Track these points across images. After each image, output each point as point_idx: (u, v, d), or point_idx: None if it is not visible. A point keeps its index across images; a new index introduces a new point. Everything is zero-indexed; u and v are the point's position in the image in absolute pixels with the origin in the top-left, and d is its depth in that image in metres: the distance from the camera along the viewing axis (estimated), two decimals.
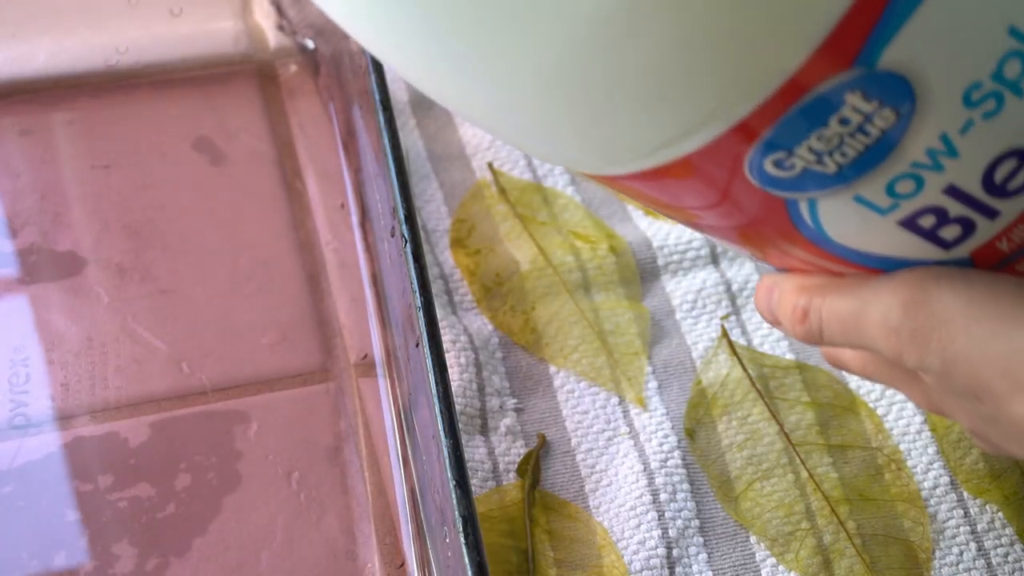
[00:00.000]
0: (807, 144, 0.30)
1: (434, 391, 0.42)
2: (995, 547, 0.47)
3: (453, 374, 0.49)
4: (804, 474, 0.48)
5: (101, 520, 0.46)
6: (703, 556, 0.46)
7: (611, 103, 0.30)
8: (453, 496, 0.40)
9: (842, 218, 0.33)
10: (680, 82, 0.29)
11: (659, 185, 0.33)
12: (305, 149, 0.57)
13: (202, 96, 0.59)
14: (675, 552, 0.46)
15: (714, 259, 0.54)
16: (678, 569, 0.46)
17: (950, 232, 0.33)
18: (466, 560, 0.39)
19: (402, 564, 0.46)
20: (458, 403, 0.49)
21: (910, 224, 0.33)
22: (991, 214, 0.33)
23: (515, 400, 0.50)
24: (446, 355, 0.47)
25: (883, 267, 0.35)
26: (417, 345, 0.44)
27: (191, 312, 0.52)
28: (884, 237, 0.34)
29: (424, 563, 0.46)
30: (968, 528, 0.47)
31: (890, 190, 0.32)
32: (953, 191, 0.32)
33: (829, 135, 0.30)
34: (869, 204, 0.32)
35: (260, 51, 0.60)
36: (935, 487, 0.48)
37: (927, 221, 0.33)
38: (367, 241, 0.54)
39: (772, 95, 0.29)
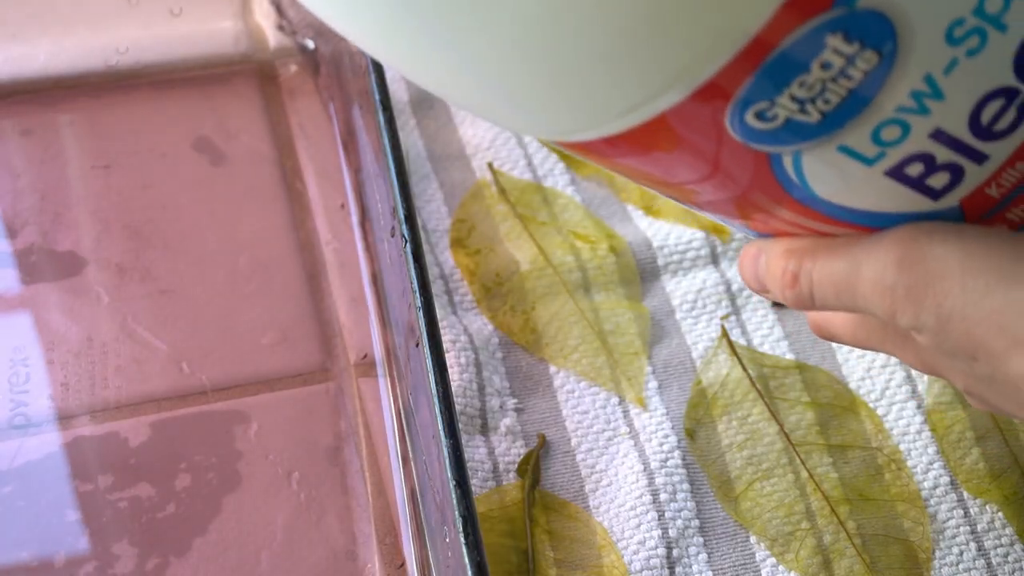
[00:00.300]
0: (789, 92, 0.30)
1: (434, 391, 0.42)
2: (995, 547, 0.47)
3: (453, 374, 0.49)
4: (804, 474, 0.48)
5: (101, 520, 0.46)
6: (703, 556, 0.46)
7: (567, 68, 0.29)
8: (453, 496, 0.40)
9: (828, 172, 0.32)
10: (641, 47, 0.28)
11: (648, 158, 0.33)
12: (305, 149, 0.57)
13: (202, 96, 0.59)
14: (675, 552, 0.46)
15: (714, 259, 0.54)
16: (678, 569, 0.46)
17: (938, 180, 0.33)
18: (466, 560, 0.39)
19: (402, 564, 0.46)
20: (458, 403, 0.49)
21: (897, 174, 0.32)
22: (979, 158, 0.32)
23: (515, 400, 0.50)
24: (446, 355, 0.47)
25: (871, 223, 0.35)
26: (417, 345, 0.44)
27: (191, 312, 0.52)
28: (871, 189, 0.33)
29: (424, 563, 0.46)
30: (968, 528, 0.47)
31: (875, 137, 0.31)
32: (940, 135, 0.31)
33: (811, 81, 0.29)
34: (855, 154, 0.32)
35: (260, 51, 0.60)
36: (935, 487, 0.48)
37: (914, 169, 0.32)
38: (367, 241, 0.54)
39: (743, 49, 0.28)
